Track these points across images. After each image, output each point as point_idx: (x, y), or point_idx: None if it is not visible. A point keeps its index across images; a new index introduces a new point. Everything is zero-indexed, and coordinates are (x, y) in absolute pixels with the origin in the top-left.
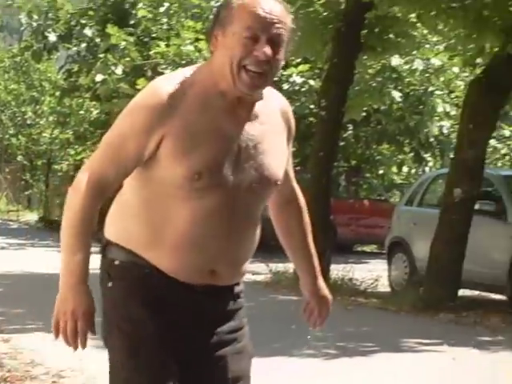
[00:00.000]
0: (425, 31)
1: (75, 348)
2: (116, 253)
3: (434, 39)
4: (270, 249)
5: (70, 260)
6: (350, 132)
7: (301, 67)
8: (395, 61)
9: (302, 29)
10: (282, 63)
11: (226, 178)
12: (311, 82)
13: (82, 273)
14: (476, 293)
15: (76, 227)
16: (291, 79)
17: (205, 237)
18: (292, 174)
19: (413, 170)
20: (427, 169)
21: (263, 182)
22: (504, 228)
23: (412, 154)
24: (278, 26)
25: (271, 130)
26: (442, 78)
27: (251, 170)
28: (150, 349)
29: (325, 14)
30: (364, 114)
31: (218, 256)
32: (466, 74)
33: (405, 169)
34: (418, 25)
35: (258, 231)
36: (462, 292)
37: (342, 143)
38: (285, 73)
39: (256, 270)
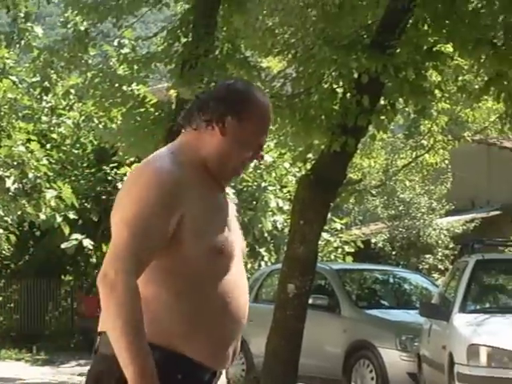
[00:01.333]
0: None
1: None
2: (172, 361)
3: None
4: None
5: (146, 364)
6: None
7: (134, 166)
8: None
9: (134, 129)
10: None
11: (235, 246)
12: None
13: (149, 363)
14: None
15: (137, 328)
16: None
17: (236, 308)
18: None
19: (249, 265)
20: (263, 264)
21: (244, 247)
22: (338, 321)
23: (248, 250)
24: None
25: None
26: (273, 174)
27: (238, 237)
28: None
29: (156, 114)
30: None
31: (236, 331)
32: (297, 170)
33: None
34: None
35: None
36: None
37: None
38: (119, 172)
39: None
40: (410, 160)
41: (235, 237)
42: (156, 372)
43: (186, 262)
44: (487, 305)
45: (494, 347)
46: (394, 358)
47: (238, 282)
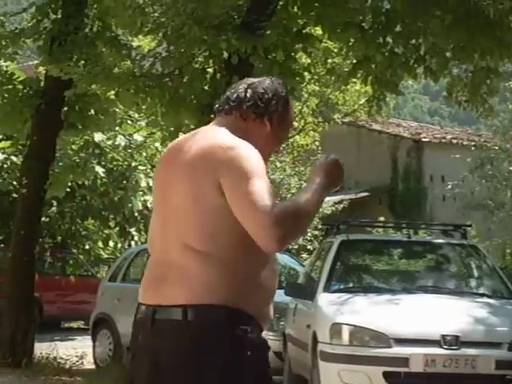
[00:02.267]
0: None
1: None
2: (240, 318)
3: (136, 116)
4: None
5: (316, 197)
6: (54, 208)
7: (2, 143)
8: (98, 137)
9: (1, 106)
10: None
11: None
12: (14, 159)
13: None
14: None
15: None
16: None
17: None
18: None
19: (119, 245)
20: (133, 243)
21: None
22: None
23: (117, 229)
24: None
25: None
26: (144, 154)
27: None
28: None
29: (24, 91)
30: (68, 189)
31: None
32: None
33: (111, 243)
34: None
35: None
36: None
37: (46, 220)
38: None
39: None
40: None
41: None
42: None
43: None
44: (351, 284)
45: (356, 326)
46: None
47: None
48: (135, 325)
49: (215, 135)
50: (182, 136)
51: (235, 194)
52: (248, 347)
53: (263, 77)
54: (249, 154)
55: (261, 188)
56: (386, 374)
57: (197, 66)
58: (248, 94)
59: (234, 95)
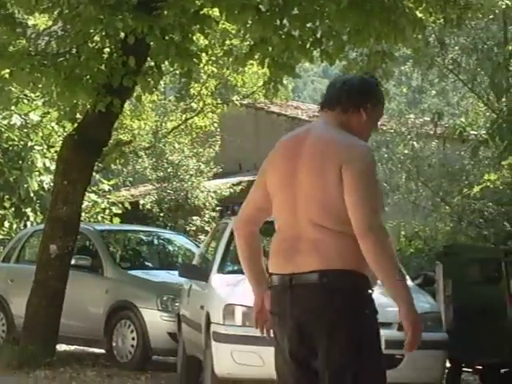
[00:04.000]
0: None
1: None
2: (362, 281)
3: (33, 95)
4: None
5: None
6: None
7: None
8: None
9: None
10: None
11: None
12: None
13: None
14: (73, 347)
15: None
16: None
17: None
18: None
19: (14, 226)
20: (29, 224)
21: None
22: (100, 282)
23: (13, 210)
24: None
25: None
26: (40, 133)
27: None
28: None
29: None
30: None
31: None
32: (67, 129)
33: (6, 224)
34: None
35: None
36: (60, 347)
37: None
38: None
39: None
40: (180, 122)
41: None
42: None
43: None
44: None
45: (248, 307)
46: (154, 318)
47: None
48: (274, 292)
49: (332, 133)
50: (295, 131)
51: (353, 188)
52: (368, 307)
53: (358, 74)
54: (366, 154)
55: (374, 193)
56: None
57: (93, 45)
58: (345, 90)
59: (335, 93)
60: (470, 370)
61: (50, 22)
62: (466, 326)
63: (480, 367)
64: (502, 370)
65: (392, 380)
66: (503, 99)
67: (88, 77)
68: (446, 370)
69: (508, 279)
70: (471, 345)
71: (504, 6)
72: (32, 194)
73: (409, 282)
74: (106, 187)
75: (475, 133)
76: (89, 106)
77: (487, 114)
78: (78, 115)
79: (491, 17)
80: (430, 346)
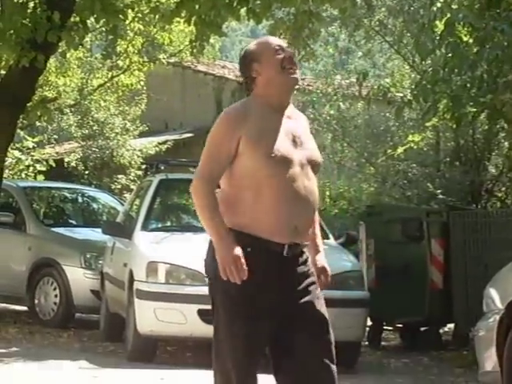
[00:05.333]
0: None
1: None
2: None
3: None
4: None
5: (214, 230)
6: None
7: None
8: None
9: None
10: None
11: (292, 154)
12: None
13: (223, 231)
14: None
15: (210, 213)
16: None
17: (287, 200)
18: None
19: None
20: None
21: (314, 159)
22: (23, 239)
23: None
24: None
25: (303, 127)
26: None
27: (306, 150)
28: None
29: None
30: None
31: (298, 214)
32: None
33: None
34: None
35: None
36: None
37: None
38: None
39: None
40: (106, 80)
41: (298, 149)
42: (232, 238)
43: (247, 168)
44: (169, 223)
45: (172, 264)
46: (78, 276)
47: (293, 181)
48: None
49: None
50: None
51: None
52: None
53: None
54: (219, 118)
55: (201, 162)
56: (200, 312)
57: None
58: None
59: None
60: (391, 328)
61: None
62: (388, 285)
63: (400, 325)
64: (422, 328)
65: None
66: (427, 61)
67: (11, 31)
68: (368, 329)
69: (429, 239)
70: (392, 303)
71: None
72: None
73: (332, 241)
74: (31, 144)
75: (400, 94)
76: (12, 62)
77: (412, 75)
78: (2, 71)
79: None
80: (351, 305)
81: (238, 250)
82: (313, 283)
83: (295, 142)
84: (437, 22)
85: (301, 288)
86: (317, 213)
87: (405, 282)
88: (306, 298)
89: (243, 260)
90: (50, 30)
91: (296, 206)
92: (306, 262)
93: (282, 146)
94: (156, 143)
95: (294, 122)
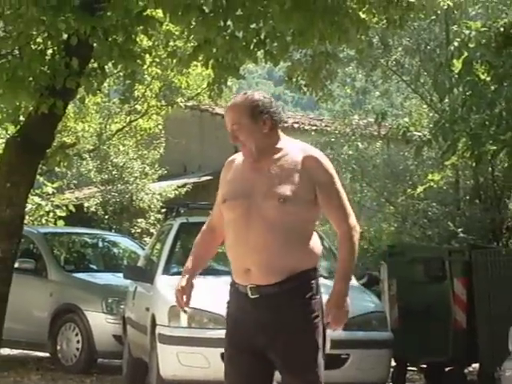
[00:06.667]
0: None
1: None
2: None
3: None
4: None
5: None
6: None
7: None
8: None
9: None
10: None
11: (242, 200)
12: None
13: (187, 265)
14: (17, 351)
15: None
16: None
17: (238, 244)
18: (338, 213)
19: None
20: None
21: (268, 193)
22: (44, 285)
23: None
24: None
25: (283, 168)
26: None
27: (260, 193)
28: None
29: None
30: None
31: (248, 257)
32: (9, 132)
33: None
34: None
35: (295, 242)
36: (3, 351)
37: None
38: None
39: None
40: (124, 125)
41: (255, 193)
42: (189, 273)
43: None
44: None
45: (194, 308)
46: (99, 321)
47: (240, 222)
48: None
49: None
50: None
51: None
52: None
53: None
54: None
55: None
56: (223, 356)
57: (35, 46)
58: None
59: None
60: (415, 368)
61: None
62: (411, 325)
63: (425, 366)
64: (447, 369)
65: (338, 380)
66: (446, 100)
67: (30, 78)
68: (392, 369)
69: (452, 278)
70: (416, 344)
71: (446, 7)
72: None
73: (354, 282)
74: (50, 190)
75: (419, 133)
76: (31, 108)
77: (430, 114)
78: (21, 117)
79: (433, 18)
80: (375, 346)
81: (182, 283)
82: (295, 327)
83: (254, 187)
84: (454, 61)
85: (274, 329)
86: (346, 252)
87: (428, 322)
88: (282, 340)
89: (183, 293)
90: (69, 76)
91: (246, 249)
92: (292, 301)
93: (234, 192)
94: (175, 186)
95: (270, 166)
